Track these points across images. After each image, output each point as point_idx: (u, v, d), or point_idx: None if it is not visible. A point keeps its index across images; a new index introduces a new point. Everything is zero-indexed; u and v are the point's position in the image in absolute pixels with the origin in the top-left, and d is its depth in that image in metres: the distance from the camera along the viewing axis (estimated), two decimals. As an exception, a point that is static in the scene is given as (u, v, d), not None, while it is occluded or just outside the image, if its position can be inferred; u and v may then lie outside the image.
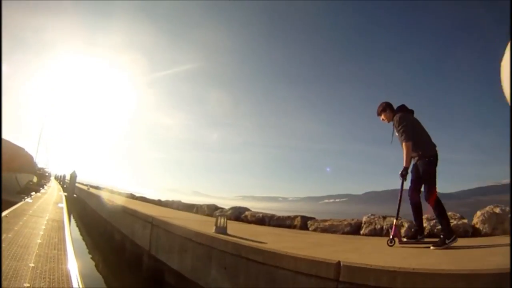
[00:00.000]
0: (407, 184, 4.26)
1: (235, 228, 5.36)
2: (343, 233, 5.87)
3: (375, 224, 5.60)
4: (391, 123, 4.42)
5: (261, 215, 8.01)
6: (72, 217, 16.07)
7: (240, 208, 9.17)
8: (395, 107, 4.52)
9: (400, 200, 4.17)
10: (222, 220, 4.71)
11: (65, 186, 28.65)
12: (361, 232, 5.70)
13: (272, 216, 7.85)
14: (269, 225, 7.52)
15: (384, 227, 5.49)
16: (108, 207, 11.06)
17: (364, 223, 5.82)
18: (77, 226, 14.35)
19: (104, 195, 15.10)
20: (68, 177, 25.84)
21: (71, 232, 6.83)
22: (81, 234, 12.25)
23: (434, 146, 4.22)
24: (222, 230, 4.61)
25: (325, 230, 6.26)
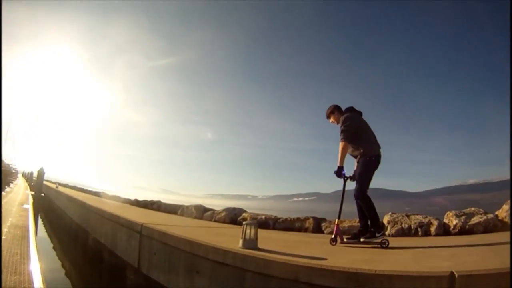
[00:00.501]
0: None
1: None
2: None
3: (402, 223, 5.21)
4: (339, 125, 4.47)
5: (263, 217, 7.02)
6: (39, 218, 14.42)
7: (235, 209, 8.07)
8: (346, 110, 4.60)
9: (342, 201, 4.32)
10: (252, 230, 3.51)
11: (32, 184, 26.43)
12: (387, 232, 5.13)
13: (276, 218, 6.92)
14: (274, 228, 6.61)
15: (413, 226, 5.10)
16: (81, 209, 9.63)
17: (388, 223, 5.35)
18: (46, 231, 12.65)
19: (75, 195, 13.56)
20: (35, 174, 23.80)
21: (37, 244, 5.56)
22: (51, 242, 10.67)
23: (379, 147, 4.34)
24: (252, 244, 3.43)
25: (343, 232, 5.61)
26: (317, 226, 6.21)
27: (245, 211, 7.92)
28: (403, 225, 5.15)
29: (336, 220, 4.29)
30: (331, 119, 4.61)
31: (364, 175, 4.18)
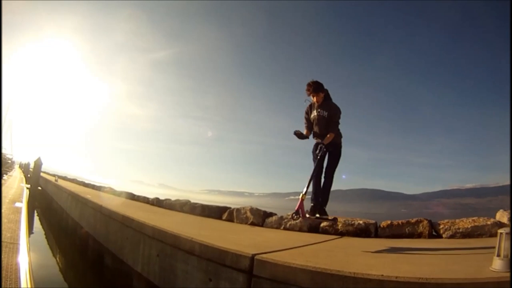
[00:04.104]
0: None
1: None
2: (491, 235, 4.33)
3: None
4: (309, 100, 4.67)
5: (361, 222, 5.20)
6: (34, 220, 11.86)
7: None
8: None
9: (312, 177, 4.29)
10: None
11: (28, 175, 23.75)
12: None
13: (373, 222, 5.19)
14: (376, 236, 5.04)
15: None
16: (93, 213, 7.09)
17: (509, 220, 4.37)
18: (45, 242, 9.97)
19: (81, 192, 10.97)
20: (32, 165, 21.15)
21: (31, 271, 3.21)
22: (53, 256, 8.08)
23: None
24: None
25: (466, 235, 4.59)
26: (433, 230, 4.90)
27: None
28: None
29: (301, 195, 4.19)
30: (317, 97, 4.50)
31: (338, 159, 4.53)
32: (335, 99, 4.62)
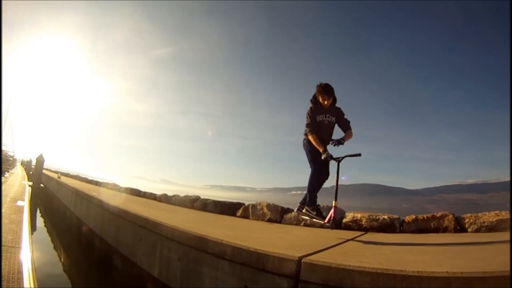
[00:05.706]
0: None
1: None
2: (515, 229, 4.20)
3: None
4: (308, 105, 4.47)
5: (386, 217, 5.08)
6: (37, 219, 11.45)
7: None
8: None
9: (337, 181, 4.17)
10: None
11: (31, 173, 23.35)
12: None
13: (397, 217, 5.06)
14: (401, 231, 4.92)
15: None
16: (100, 212, 6.65)
17: None
18: (48, 241, 9.53)
19: (85, 189, 10.52)
20: (34, 162, 20.74)
21: (34, 272, 2.83)
22: (60, 261, 7.66)
23: None
24: None
25: (491, 228, 4.46)
26: (458, 224, 4.82)
27: (344, 211, 5.52)
28: None
29: (334, 201, 4.06)
30: (327, 100, 4.32)
31: None
32: (336, 94, 4.42)
